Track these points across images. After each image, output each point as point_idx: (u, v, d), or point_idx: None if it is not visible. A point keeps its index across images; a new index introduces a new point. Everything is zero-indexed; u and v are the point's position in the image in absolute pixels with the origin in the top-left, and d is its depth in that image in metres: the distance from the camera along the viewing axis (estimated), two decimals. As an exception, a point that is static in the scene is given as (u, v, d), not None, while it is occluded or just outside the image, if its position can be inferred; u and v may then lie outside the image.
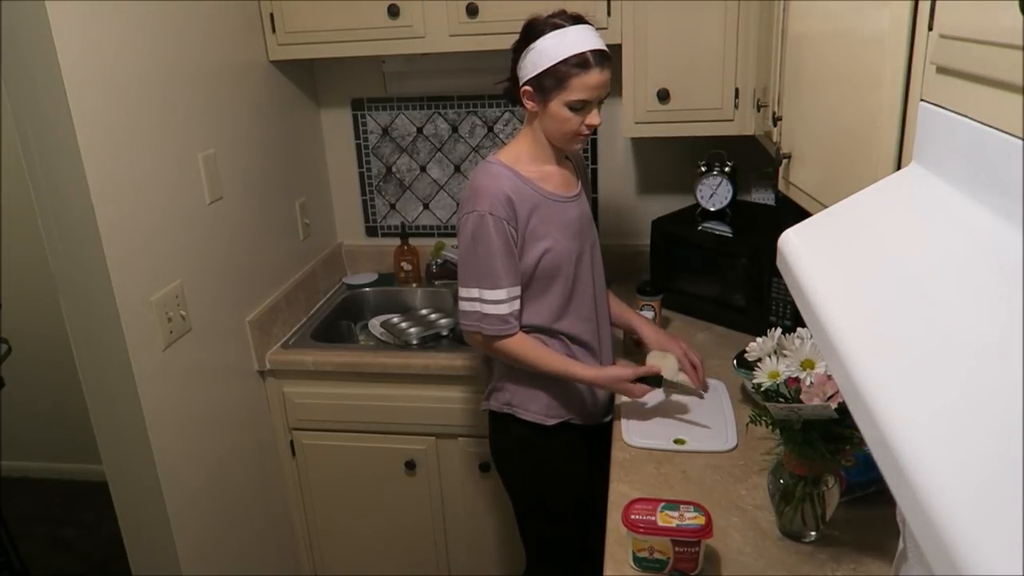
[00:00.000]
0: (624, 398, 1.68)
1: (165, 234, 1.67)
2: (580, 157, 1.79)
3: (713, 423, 1.62)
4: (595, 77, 1.47)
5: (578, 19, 1.50)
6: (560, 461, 1.70)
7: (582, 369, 1.62)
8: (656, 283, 2.07)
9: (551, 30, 1.47)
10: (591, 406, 1.70)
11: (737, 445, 1.54)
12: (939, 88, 0.68)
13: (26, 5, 1.34)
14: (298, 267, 2.33)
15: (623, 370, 1.63)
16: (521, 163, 1.58)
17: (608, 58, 1.49)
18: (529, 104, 1.53)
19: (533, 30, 1.49)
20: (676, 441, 1.56)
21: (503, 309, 1.55)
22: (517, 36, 1.55)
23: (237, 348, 1.99)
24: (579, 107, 1.49)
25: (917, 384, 0.48)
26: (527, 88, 1.51)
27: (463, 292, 1.57)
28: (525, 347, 1.59)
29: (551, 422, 1.64)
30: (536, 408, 1.64)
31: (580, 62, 1.46)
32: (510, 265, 1.54)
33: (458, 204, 2.52)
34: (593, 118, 1.52)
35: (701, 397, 1.71)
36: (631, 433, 1.60)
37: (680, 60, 1.92)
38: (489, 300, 1.54)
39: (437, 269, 2.48)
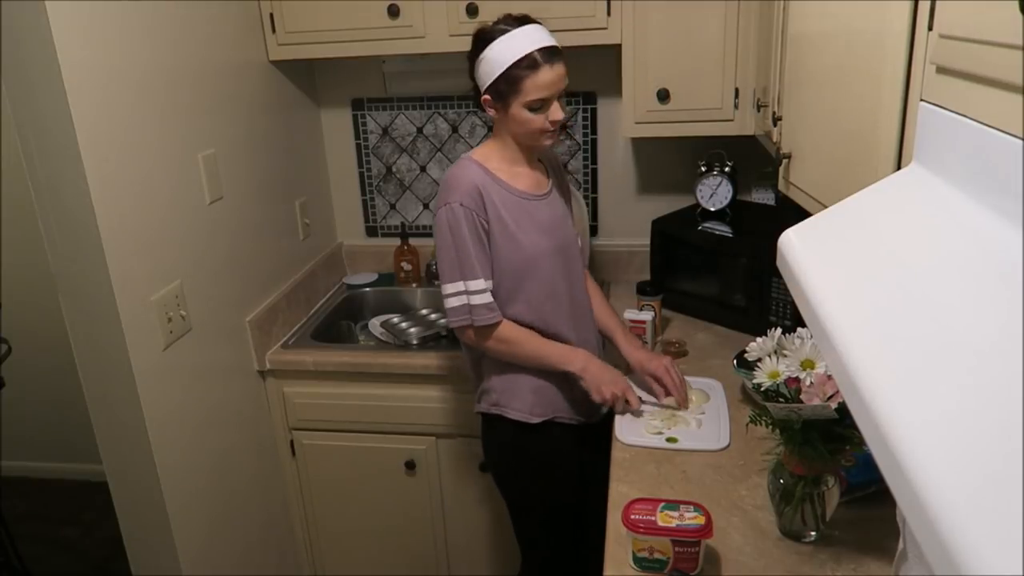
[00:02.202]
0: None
1: (165, 234, 1.67)
2: (555, 158, 1.79)
3: (707, 422, 1.62)
4: (546, 75, 1.48)
5: (524, 19, 1.52)
6: (548, 459, 1.70)
7: (573, 361, 1.62)
8: (656, 283, 2.07)
9: (498, 35, 1.49)
10: (578, 404, 1.70)
11: (729, 444, 1.54)
12: (939, 88, 0.68)
13: (26, 5, 1.35)
14: (298, 267, 2.33)
15: (618, 381, 1.64)
16: (491, 161, 1.60)
17: (558, 52, 1.51)
18: (491, 111, 1.56)
19: (482, 39, 1.51)
20: (669, 440, 1.56)
21: (488, 297, 1.57)
22: None
23: (237, 348, 1.99)
24: (538, 107, 1.51)
25: (917, 384, 0.48)
26: (486, 97, 1.54)
27: (449, 287, 1.57)
28: (517, 332, 1.61)
29: (536, 420, 1.65)
30: (520, 406, 1.65)
31: (529, 63, 1.47)
32: (484, 255, 1.56)
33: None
34: (556, 113, 1.53)
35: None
36: (624, 431, 1.60)
37: (680, 60, 1.92)
38: (475, 290, 1.55)
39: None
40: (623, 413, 1.65)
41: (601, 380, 1.61)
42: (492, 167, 1.59)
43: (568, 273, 1.67)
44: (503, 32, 1.49)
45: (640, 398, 1.67)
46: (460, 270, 1.55)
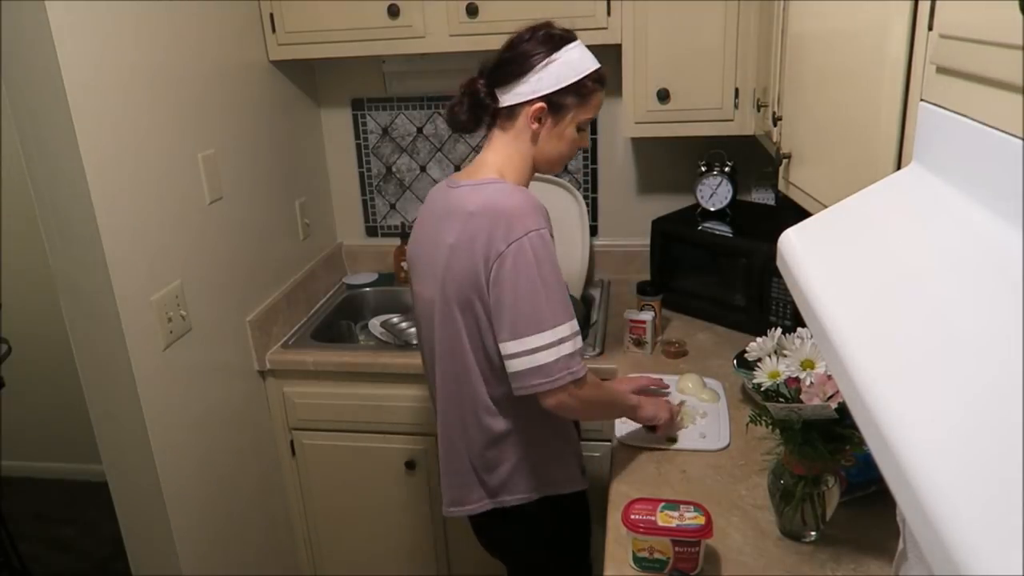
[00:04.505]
0: None
1: (165, 234, 1.67)
2: None
3: (707, 422, 1.62)
4: (602, 96, 1.39)
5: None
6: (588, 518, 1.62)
7: (630, 396, 1.51)
8: (656, 283, 2.07)
9: (574, 40, 1.35)
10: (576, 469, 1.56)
11: (729, 444, 1.54)
12: (939, 88, 0.68)
13: (26, 5, 1.34)
14: (298, 267, 2.33)
15: (663, 400, 1.57)
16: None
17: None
18: (535, 124, 1.34)
19: (559, 38, 1.33)
20: (669, 440, 1.56)
21: (581, 340, 1.31)
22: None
23: (237, 348, 1.99)
24: (585, 127, 1.39)
25: (917, 384, 0.48)
26: (541, 105, 1.33)
27: (533, 340, 1.25)
28: (597, 380, 1.38)
29: (587, 481, 1.56)
30: (572, 474, 1.51)
31: (600, 79, 1.36)
32: None
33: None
34: (586, 139, 1.43)
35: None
36: (624, 429, 1.59)
37: (680, 60, 1.92)
38: (570, 335, 1.28)
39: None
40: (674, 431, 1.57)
41: (657, 404, 1.54)
42: None
43: None
44: (572, 37, 1.35)
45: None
46: (553, 315, 1.25)
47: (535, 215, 1.28)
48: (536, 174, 1.44)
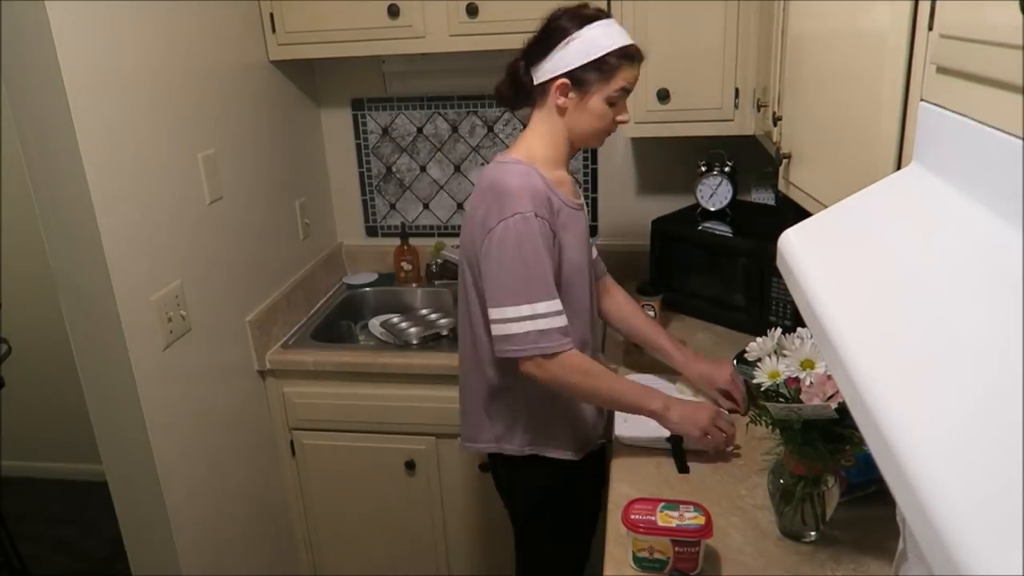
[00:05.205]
0: None
1: (165, 234, 1.67)
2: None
3: None
4: (636, 71, 1.44)
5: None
6: (587, 494, 1.64)
7: (653, 400, 1.45)
8: (656, 283, 2.07)
9: (598, 19, 1.41)
10: (597, 429, 1.62)
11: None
12: (939, 88, 0.68)
13: (26, 5, 1.35)
14: (298, 267, 2.33)
15: (704, 411, 1.46)
16: (536, 164, 1.45)
17: (642, 57, 1.47)
18: (561, 100, 1.42)
19: (578, 18, 1.41)
20: (669, 439, 1.55)
21: (563, 320, 1.38)
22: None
23: (237, 348, 1.99)
24: (615, 101, 1.43)
25: (917, 384, 0.48)
26: (565, 81, 1.41)
27: (509, 311, 1.36)
28: (591, 362, 1.43)
29: (579, 456, 1.56)
30: (562, 442, 1.54)
31: (628, 54, 1.41)
32: (555, 272, 1.41)
33: (459, 205, 2.52)
34: (625, 113, 1.47)
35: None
36: (624, 429, 1.59)
37: (680, 60, 1.92)
38: (546, 313, 1.36)
39: (437, 269, 2.48)
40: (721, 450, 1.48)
41: (695, 419, 1.44)
42: (541, 171, 1.43)
43: (589, 290, 1.56)
44: (603, 16, 1.41)
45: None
46: (528, 291, 1.35)
47: (527, 199, 1.37)
48: (576, 150, 1.53)
